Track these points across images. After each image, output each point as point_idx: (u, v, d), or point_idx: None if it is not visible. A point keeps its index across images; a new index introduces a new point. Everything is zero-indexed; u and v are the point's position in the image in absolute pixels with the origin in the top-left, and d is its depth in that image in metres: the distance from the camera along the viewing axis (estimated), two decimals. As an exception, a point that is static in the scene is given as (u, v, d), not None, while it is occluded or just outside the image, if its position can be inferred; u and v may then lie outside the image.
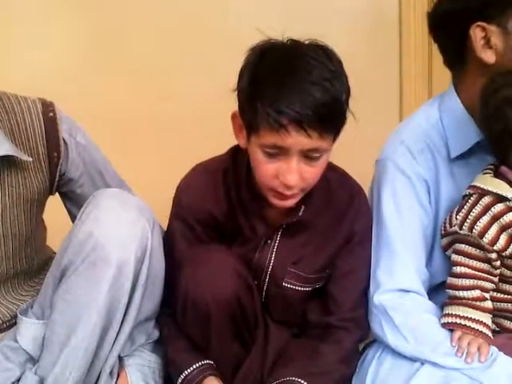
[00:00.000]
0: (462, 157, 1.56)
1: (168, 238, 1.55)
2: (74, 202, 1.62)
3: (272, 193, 1.43)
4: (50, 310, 1.45)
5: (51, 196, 1.61)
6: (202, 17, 2.46)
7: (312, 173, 1.41)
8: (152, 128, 2.47)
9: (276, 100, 1.33)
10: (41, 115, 1.52)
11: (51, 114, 1.53)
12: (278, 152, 1.37)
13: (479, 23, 1.48)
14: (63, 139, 1.54)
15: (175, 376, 1.50)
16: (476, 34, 1.49)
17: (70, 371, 1.40)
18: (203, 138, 2.36)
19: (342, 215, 1.55)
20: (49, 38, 2.39)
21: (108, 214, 1.41)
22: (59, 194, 1.62)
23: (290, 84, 1.34)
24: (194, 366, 1.47)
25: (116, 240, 1.39)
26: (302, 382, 1.45)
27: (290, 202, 1.45)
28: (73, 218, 1.62)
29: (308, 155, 1.38)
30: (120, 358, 1.50)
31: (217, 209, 1.52)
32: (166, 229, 1.58)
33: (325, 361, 1.50)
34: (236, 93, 1.43)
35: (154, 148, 2.49)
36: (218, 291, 1.42)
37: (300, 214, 1.51)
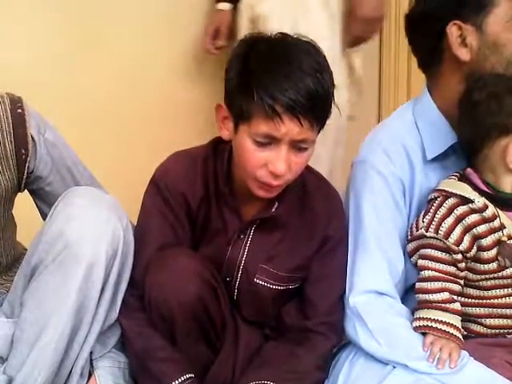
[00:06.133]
0: (437, 160, 1.62)
1: (141, 213, 1.59)
2: (44, 200, 1.63)
3: (257, 183, 1.47)
4: (20, 308, 1.47)
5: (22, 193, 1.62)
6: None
7: (299, 163, 1.46)
8: (128, 121, 2.48)
9: (271, 87, 1.39)
10: (9, 111, 1.51)
11: (19, 111, 1.52)
12: (268, 141, 1.43)
13: (456, 22, 1.55)
14: (31, 136, 1.53)
15: None
16: (452, 32, 1.56)
17: (39, 371, 1.42)
18: (179, 133, 2.37)
19: (317, 218, 1.59)
20: (21, 33, 2.36)
21: (79, 213, 1.43)
22: (29, 191, 1.63)
23: (284, 72, 1.40)
24: (177, 382, 1.46)
25: (87, 239, 1.41)
26: None
27: (274, 193, 1.50)
28: (43, 215, 1.63)
29: (297, 146, 1.44)
30: (90, 361, 1.52)
31: (191, 195, 1.55)
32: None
33: (300, 366, 1.53)
34: (224, 83, 1.48)
35: (131, 143, 2.49)
36: (180, 295, 1.45)
37: (273, 210, 1.55)
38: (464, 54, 1.56)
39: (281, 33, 1.48)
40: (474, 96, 1.50)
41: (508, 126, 1.47)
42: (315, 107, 1.41)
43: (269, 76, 1.40)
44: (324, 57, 1.46)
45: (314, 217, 1.58)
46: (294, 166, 1.45)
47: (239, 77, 1.44)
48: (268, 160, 1.43)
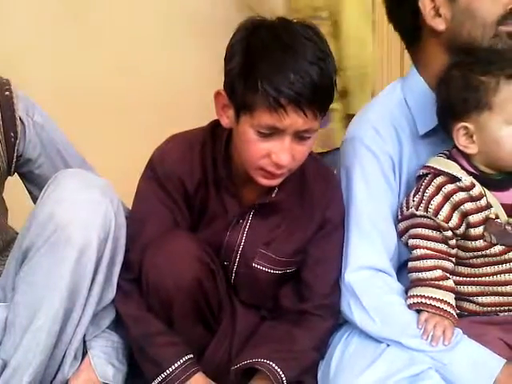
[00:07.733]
0: (427, 136, 1.62)
1: (137, 197, 1.58)
2: (34, 183, 1.63)
3: (260, 171, 1.47)
4: (13, 292, 1.47)
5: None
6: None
7: (302, 152, 1.46)
8: (120, 106, 2.50)
9: (275, 79, 1.37)
10: None
11: (7, 93, 1.52)
12: (272, 132, 1.41)
13: None
14: (20, 119, 1.54)
15: (150, 372, 1.50)
16: (425, 5, 1.57)
17: (33, 354, 1.43)
18: (172, 117, 2.37)
19: (315, 202, 1.59)
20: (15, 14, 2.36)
21: (70, 195, 1.43)
22: (18, 174, 1.64)
23: (288, 63, 1.38)
24: (176, 365, 1.47)
25: (78, 221, 1.41)
26: (272, 364, 1.48)
27: (277, 181, 1.50)
28: (34, 199, 1.64)
29: (300, 135, 1.43)
30: (84, 342, 1.53)
31: (189, 179, 1.55)
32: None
33: (296, 346, 1.54)
34: (224, 71, 1.45)
35: (123, 127, 2.51)
36: (178, 277, 1.46)
37: (273, 195, 1.55)
38: (439, 24, 1.56)
39: (282, 18, 1.45)
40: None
41: (457, 112, 1.48)
42: (319, 98, 1.40)
43: (273, 67, 1.37)
44: (326, 41, 1.44)
45: (313, 200, 1.58)
46: (298, 155, 1.44)
47: (241, 67, 1.40)
48: (271, 150, 1.42)
